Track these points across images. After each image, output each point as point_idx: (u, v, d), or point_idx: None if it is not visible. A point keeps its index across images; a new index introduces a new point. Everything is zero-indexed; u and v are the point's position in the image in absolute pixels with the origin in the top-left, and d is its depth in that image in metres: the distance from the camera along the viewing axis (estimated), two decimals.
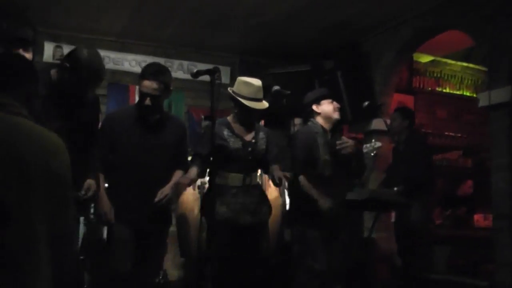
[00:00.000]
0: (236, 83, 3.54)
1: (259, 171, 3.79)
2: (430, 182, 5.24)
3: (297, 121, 4.99)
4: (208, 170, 3.48)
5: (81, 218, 3.84)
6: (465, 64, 8.42)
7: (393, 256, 5.59)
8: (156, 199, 3.21)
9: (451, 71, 8.42)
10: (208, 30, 6.18)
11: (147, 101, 3.19)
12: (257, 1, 5.35)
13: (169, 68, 3.44)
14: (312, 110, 3.84)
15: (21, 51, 3.07)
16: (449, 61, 8.30)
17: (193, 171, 3.39)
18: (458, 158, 8.43)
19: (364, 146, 3.94)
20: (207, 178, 3.51)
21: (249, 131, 3.56)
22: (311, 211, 3.55)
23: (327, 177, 3.65)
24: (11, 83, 1.82)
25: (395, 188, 4.93)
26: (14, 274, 1.65)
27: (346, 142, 3.64)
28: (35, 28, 3.61)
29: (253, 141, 3.53)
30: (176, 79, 6.29)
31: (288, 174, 3.44)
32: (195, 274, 4.50)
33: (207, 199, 3.51)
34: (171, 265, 5.00)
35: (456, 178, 8.22)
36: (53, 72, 2.97)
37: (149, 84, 3.17)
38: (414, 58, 7.67)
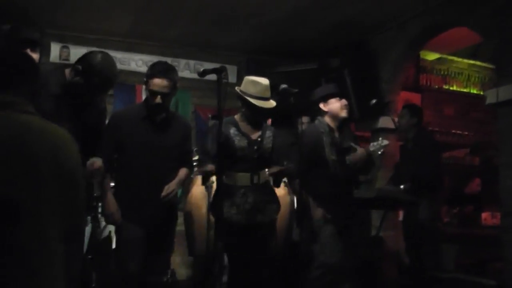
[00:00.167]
0: (243, 82, 3.54)
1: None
2: (439, 180, 5.22)
3: (305, 119, 4.99)
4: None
5: (88, 218, 3.85)
6: (472, 61, 8.39)
7: (401, 254, 5.58)
8: (163, 194, 3.22)
9: (458, 68, 8.40)
10: (214, 29, 6.18)
11: (158, 99, 3.21)
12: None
13: (176, 68, 3.45)
14: (320, 108, 3.83)
15: (28, 51, 3.08)
16: (455, 58, 8.27)
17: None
18: (465, 156, 8.40)
19: (371, 144, 3.92)
20: (214, 177, 3.50)
21: (256, 130, 3.56)
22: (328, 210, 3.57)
23: (335, 177, 3.66)
24: (17, 82, 1.84)
25: (402, 186, 4.92)
26: (25, 272, 1.65)
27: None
28: (42, 29, 3.62)
29: (259, 139, 3.52)
30: (183, 78, 6.29)
31: (284, 168, 3.43)
32: (203, 273, 4.50)
33: (216, 199, 3.51)
34: (179, 264, 5.02)
35: (463, 176, 8.19)
36: (67, 71, 2.98)
37: (160, 82, 3.19)
38: (421, 56, 7.66)
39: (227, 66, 3.14)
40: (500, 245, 4.47)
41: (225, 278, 3.76)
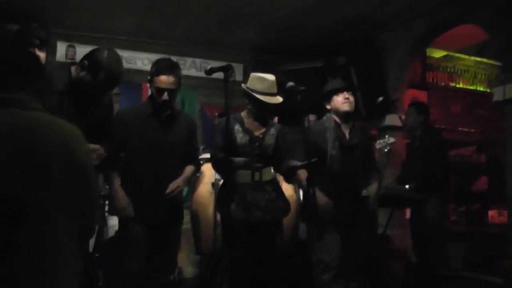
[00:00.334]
0: (249, 79, 3.53)
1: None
2: (446, 178, 5.20)
3: (312, 117, 4.97)
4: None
5: None
6: (478, 58, 8.37)
7: (408, 252, 5.56)
8: (168, 191, 3.22)
9: (465, 66, 8.38)
10: (220, 28, 6.18)
11: (165, 96, 3.21)
12: None
13: (182, 66, 3.46)
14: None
15: (35, 51, 3.10)
16: (462, 56, 8.25)
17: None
18: (472, 153, 8.37)
19: (378, 142, 3.89)
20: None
21: (261, 127, 3.54)
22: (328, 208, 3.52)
23: (336, 172, 3.58)
24: (24, 80, 1.85)
25: (407, 186, 4.90)
26: (34, 271, 1.65)
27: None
28: (48, 28, 3.63)
29: (261, 136, 3.50)
30: (189, 77, 6.32)
31: (297, 163, 3.40)
32: (210, 271, 4.51)
33: (221, 196, 3.52)
34: (186, 262, 5.01)
35: (470, 174, 8.16)
36: (73, 68, 2.98)
37: (166, 79, 3.20)
38: (427, 53, 7.64)
39: (233, 64, 3.14)
40: (507, 243, 4.45)
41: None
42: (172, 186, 3.24)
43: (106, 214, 4.31)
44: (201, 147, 4.52)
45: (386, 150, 4.64)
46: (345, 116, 3.70)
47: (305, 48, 6.40)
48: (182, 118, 3.50)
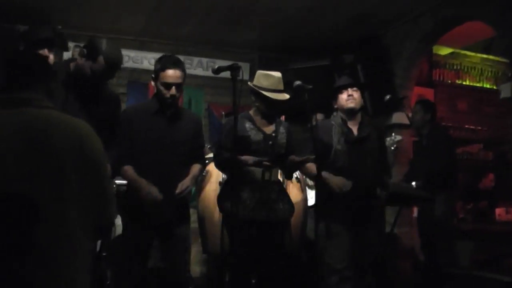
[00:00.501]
0: (255, 76, 3.52)
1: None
2: (453, 176, 5.18)
3: (320, 116, 4.97)
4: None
5: None
6: (485, 55, 8.33)
7: (416, 251, 5.55)
8: (177, 191, 3.20)
9: (471, 63, 8.34)
10: (227, 27, 6.19)
11: (173, 91, 3.20)
12: None
13: (189, 66, 3.46)
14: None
15: (46, 52, 3.11)
16: (468, 53, 8.21)
17: None
18: (479, 151, 8.33)
19: (385, 140, 3.88)
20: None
21: (270, 124, 3.53)
22: (336, 205, 3.51)
23: (340, 168, 3.54)
24: (34, 81, 1.88)
25: (413, 183, 4.89)
26: (46, 271, 1.66)
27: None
28: (55, 29, 3.64)
29: (273, 134, 3.49)
30: (196, 76, 6.34)
31: (306, 158, 3.36)
32: (218, 270, 4.51)
33: (223, 194, 3.51)
34: (193, 261, 5.02)
35: (477, 171, 8.13)
36: (72, 64, 2.99)
37: (173, 73, 3.20)
38: (434, 51, 7.60)
39: (240, 63, 3.14)
40: None
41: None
42: (181, 186, 3.22)
43: None
44: (208, 146, 4.52)
45: (393, 148, 4.64)
46: (350, 113, 3.67)
47: (312, 47, 6.39)
48: (188, 116, 3.49)
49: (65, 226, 1.72)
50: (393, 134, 4.44)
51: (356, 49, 5.93)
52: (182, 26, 6.19)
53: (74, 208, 1.74)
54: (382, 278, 4.69)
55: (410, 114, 5.61)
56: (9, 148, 1.68)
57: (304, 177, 4.52)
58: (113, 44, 2.96)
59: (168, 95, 3.22)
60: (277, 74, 3.48)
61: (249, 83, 3.50)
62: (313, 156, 3.29)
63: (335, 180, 3.47)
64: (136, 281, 3.21)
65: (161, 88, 3.23)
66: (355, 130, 3.67)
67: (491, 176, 8.13)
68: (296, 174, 4.20)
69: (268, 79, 3.44)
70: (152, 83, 3.34)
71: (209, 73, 6.30)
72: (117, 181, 3.74)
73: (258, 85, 3.44)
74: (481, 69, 8.42)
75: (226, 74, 3.08)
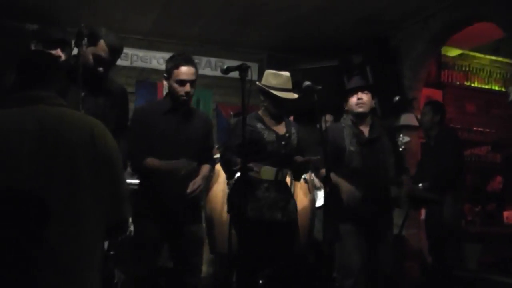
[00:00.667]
0: (264, 76, 3.52)
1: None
2: (461, 178, 5.16)
3: (329, 117, 4.95)
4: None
5: None
6: (493, 57, 8.28)
7: (424, 253, 5.53)
8: (189, 190, 3.19)
9: (480, 64, 8.29)
10: (235, 27, 6.19)
11: (187, 87, 3.20)
12: None
13: (197, 65, 3.44)
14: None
15: (58, 51, 3.11)
16: (477, 54, 8.17)
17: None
18: (487, 153, 8.30)
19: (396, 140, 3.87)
20: (237, 174, 3.46)
21: (280, 125, 3.53)
22: (346, 206, 3.49)
23: (355, 169, 3.54)
24: (46, 79, 1.89)
25: (420, 185, 4.86)
26: (59, 268, 1.66)
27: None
28: (64, 28, 3.64)
29: (287, 135, 3.49)
30: (204, 76, 6.34)
31: (311, 158, 3.37)
32: (225, 270, 4.51)
33: (236, 193, 3.48)
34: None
35: (485, 173, 8.10)
36: (73, 61, 2.98)
37: (187, 70, 3.20)
38: (443, 52, 7.56)
39: (248, 63, 3.11)
40: None
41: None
42: (192, 185, 3.21)
43: None
44: (216, 146, 4.52)
45: (401, 149, 4.62)
46: (359, 117, 3.67)
47: (321, 47, 6.37)
48: (199, 115, 3.49)
49: (77, 224, 1.72)
50: (401, 135, 4.42)
51: (365, 49, 5.90)
52: (191, 26, 6.20)
53: (87, 206, 1.75)
54: (390, 280, 4.68)
55: (419, 116, 5.58)
56: (22, 146, 1.69)
57: (311, 178, 4.51)
58: (112, 32, 2.96)
59: (182, 92, 3.21)
60: (286, 73, 3.48)
61: (257, 82, 3.49)
62: (317, 158, 3.28)
63: (346, 190, 3.46)
64: (146, 280, 3.19)
65: (175, 85, 3.22)
66: (366, 132, 3.66)
67: (499, 178, 8.09)
68: (304, 175, 4.19)
69: (277, 78, 3.44)
70: (164, 82, 3.33)
71: (217, 73, 6.31)
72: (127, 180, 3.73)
73: (267, 84, 3.44)
74: (490, 70, 8.37)
75: (235, 74, 3.07)
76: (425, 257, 5.49)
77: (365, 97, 3.66)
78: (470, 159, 7.78)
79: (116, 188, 1.87)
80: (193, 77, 3.23)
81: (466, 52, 8.03)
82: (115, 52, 2.94)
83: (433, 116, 5.18)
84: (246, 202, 3.25)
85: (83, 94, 2.76)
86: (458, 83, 8.03)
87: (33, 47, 3.17)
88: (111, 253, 3.96)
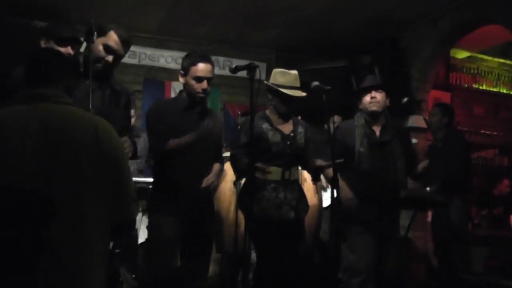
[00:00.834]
0: (272, 74, 3.53)
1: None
2: (468, 180, 5.14)
3: (337, 118, 4.94)
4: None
5: None
6: (502, 60, 8.26)
7: (430, 255, 5.51)
8: (204, 185, 3.19)
9: (488, 67, 8.27)
10: (244, 26, 6.19)
11: (204, 85, 3.21)
12: None
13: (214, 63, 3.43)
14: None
15: (69, 49, 3.11)
16: (485, 57, 8.15)
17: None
18: (494, 156, 8.26)
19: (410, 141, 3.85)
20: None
21: (287, 124, 3.52)
22: (357, 208, 3.48)
23: (364, 171, 3.51)
24: (56, 78, 1.89)
25: (428, 188, 4.84)
26: (63, 266, 1.66)
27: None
28: (73, 26, 3.65)
29: (292, 134, 3.48)
30: None
31: (324, 163, 3.36)
32: (231, 269, 4.51)
33: (245, 193, 3.48)
34: None
35: (492, 177, 8.06)
36: (84, 54, 2.97)
37: (205, 67, 3.21)
38: (451, 54, 7.54)
39: (257, 63, 3.11)
40: None
41: (252, 276, 3.75)
42: (206, 181, 3.21)
43: None
44: (224, 145, 4.52)
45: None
46: (372, 115, 3.63)
47: (330, 48, 6.36)
48: (212, 114, 3.48)
49: (81, 223, 1.71)
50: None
51: (374, 50, 5.89)
52: (199, 25, 6.21)
53: (91, 205, 1.74)
54: (396, 282, 4.66)
55: (427, 117, 5.55)
56: (25, 144, 1.68)
57: (320, 177, 4.50)
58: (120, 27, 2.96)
59: (199, 89, 3.21)
60: (294, 71, 3.48)
61: (265, 82, 3.48)
62: (341, 160, 3.25)
63: (344, 195, 3.45)
64: (169, 277, 3.15)
65: (192, 82, 3.22)
66: (377, 132, 3.63)
67: (506, 182, 8.03)
68: None
69: (285, 76, 3.44)
70: (180, 79, 3.31)
71: (225, 72, 6.31)
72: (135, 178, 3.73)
73: (275, 82, 3.43)
74: (498, 73, 8.35)
75: (242, 73, 3.06)
76: (431, 259, 5.46)
77: (378, 95, 3.62)
78: (477, 162, 7.76)
79: (122, 188, 1.86)
80: (210, 75, 3.24)
81: (475, 54, 8.00)
82: (124, 43, 2.90)
83: (441, 118, 5.15)
84: (253, 203, 3.24)
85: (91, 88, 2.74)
86: (466, 85, 8.01)
87: (43, 45, 3.17)
88: (117, 251, 3.97)
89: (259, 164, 3.33)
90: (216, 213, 4.47)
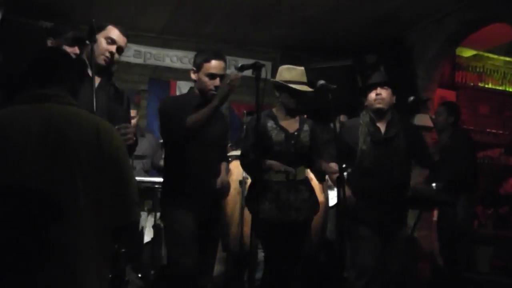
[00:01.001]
0: (278, 72, 3.50)
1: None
2: (474, 180, 5.12)
3: (343, 118, 4.93)
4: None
5: None
6: (508, 58, 8.23)
7: (435, 255, 5.50)
8: (219, 186, 3.21)
9: (494, 66, 8.24)
10: (249, 26, 6.19)
11: (217, 82, 3.20)
12: None
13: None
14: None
15: (76, 49, 3.12)
16: (491, 55, 8.12)
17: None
18: (500, 155, 8.24)
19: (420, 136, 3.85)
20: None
21: (293, 121, 3.49)
22: (361, 207, 3.47)
23: (366, 169, 3.50)
24: (59, 77, 1.89)
25: (433, 185, 4.83)
26: (63, 267, 1.65)
27: None
28: (78, 26, 3.65)
29: (296, 133, 3.43)
30: None
31: (333, 165, 3.34)
32: (237, 269, 4.51)
33: (251, 195, 3.46)
34: None
35: (497, 176, 8.03)
36: (87, 53, 2.98)
37: (218, 64, 3.21)
38: (457, 53, 7.52)
39: (262, 62, 3.11)
40: None
41: (258, 275, 3.74)
42: (221, 182, 3.24)
43: None
44: (229, 145, 4.53)
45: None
46: (377, 113, 3.60)
47: (335, 46, 6.37)
48: (220, 113, 3.48)
49: (81, 223, 1.70)
50: None
51: (379, 49, 5.88)
52: (204, 24, 6.21)
53: (91, 205, 1.73)
54: (401, 282, 4.65)
55: (433, 116, 5.53)
56: (26, 144, 1.68)
57: (325, 177, 4.49)
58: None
59: (212, 86, 3.21)
60: (300, 67, 3.47)
61: (271, 80, 3.47)
62: (344, 166, 3.24)
63: (346, 195, 3.43)
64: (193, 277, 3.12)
65: (205, 79, 3.21)
66: (383, 129, 3.60)
67: None
68: None
69: (291, 72, 3.43)
70: (193, 75, 3.30)
71: (231, 71, 6.31)
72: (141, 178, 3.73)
73: (282, 79, 3.42)
74: (504, 72, 8.32)
75: (248, 72, 3.06)
76: (437, 259, 5.45)
77: (384, 93, 3.59)
78: (483, 161, 7.72)
79: (123, 189, 1.84)
80: (223, 72, 3.24)
81: (481, 53, 7.98)
82: (123, 34, 2.95)
83: (447, 117, 5.14)
84: (258, 204, 3.23)
85: (96, 85, 2.76)
86: (472, 84, 7.98)
87: (49, 45, 3.18)
88: (122, 250, 3.98)
89: (272, 163, 3.31)
90: (221, 212, 4.49)
